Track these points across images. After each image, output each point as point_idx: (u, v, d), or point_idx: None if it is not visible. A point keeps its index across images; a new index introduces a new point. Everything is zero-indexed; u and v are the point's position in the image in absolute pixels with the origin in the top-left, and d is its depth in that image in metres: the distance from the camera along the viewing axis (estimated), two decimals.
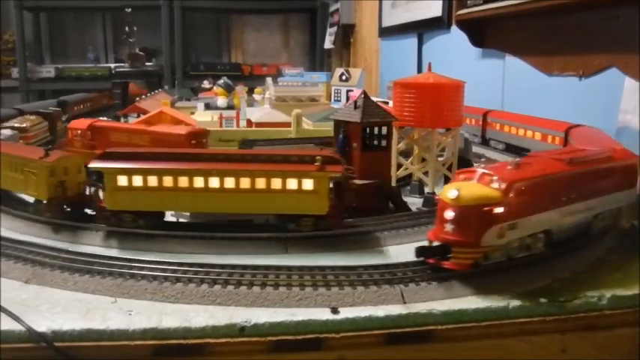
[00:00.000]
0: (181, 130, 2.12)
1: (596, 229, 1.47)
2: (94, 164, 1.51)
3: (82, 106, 3.96)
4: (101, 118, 2.75)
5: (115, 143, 2.14)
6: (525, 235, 1.29)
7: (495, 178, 1.24)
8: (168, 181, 1.48)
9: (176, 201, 1.51)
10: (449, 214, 1.22)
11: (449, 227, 1.22)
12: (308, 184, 1.46)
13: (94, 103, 4.38)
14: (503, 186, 1.22)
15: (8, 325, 1.07)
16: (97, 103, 4.42)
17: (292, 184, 1.46)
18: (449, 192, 1.23)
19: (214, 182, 1.47)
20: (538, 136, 2.36)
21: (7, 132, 2.35)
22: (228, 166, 1.48)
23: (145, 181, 1.49)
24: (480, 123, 2.86)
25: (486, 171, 1.27)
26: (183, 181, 1.48)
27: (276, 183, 1.46)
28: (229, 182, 1.46)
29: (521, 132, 2.48)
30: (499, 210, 1.20)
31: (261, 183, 1.46)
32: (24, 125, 2.61)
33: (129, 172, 1.49)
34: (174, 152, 1.60)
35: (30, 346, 1.04)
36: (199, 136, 2.08)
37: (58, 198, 1.59)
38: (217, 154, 1.55)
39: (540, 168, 1.32)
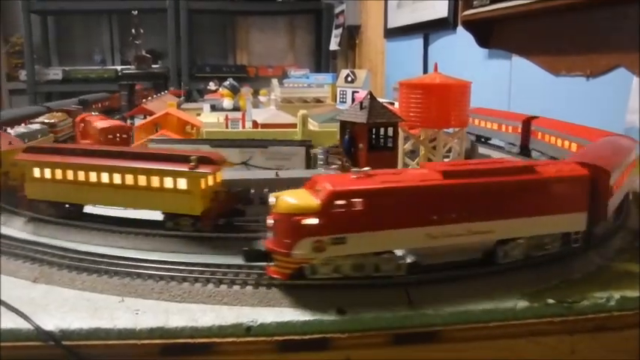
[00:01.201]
0: (100, 124, 2.43)
1: (509, 257, 1.27)
2: (19, 157, 1.66)
3: (100, 105, 4.09)
4: (92, 114, 2.97)
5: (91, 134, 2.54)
6: (367, 253, 1.16)
7: (319, 187, 1.15)
8: (69, 174, 1.60)
9: (75, 193, 1.62)
10: (269, 221, 1.16)
11: (269, 234, 1.17)
12: (182, 183, 1.48)
13: (112, 102, 4.54)
14: (322, 196, 1.12)
15: (17, 323, 1.07)
16: (115, 102, 4.54)
17: (169, 182, 1.49)
18: (270, 198, 1.18)
19: (104, 178, 1.55)
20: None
21: (37, 126, 2.63)
22: (116, 162, 1.55)
23: (52, 173, 1.61)
24: (520, 131, 2.53)
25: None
26: (80, 175, 1.59)
27: (155, 181, 1.50)
28: (117, 178, 1.54)
29: (567, 144, 2.13)
30: (312, 221, 1.11)
31: (142, 180, 1.51)
32: (52, 121, 2.85)
33: (40, 165, 1.63)
34: (88, 148, 1.73)
35: (38, 344, 1.05)
36: (115, 131, 2.34)
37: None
38: (120, 152, 1.64)
39: (397, 179, 1.18)
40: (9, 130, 2.42)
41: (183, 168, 1.46)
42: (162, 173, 1.48)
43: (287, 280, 1.17)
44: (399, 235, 1.16)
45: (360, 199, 1.12)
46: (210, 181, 1.49)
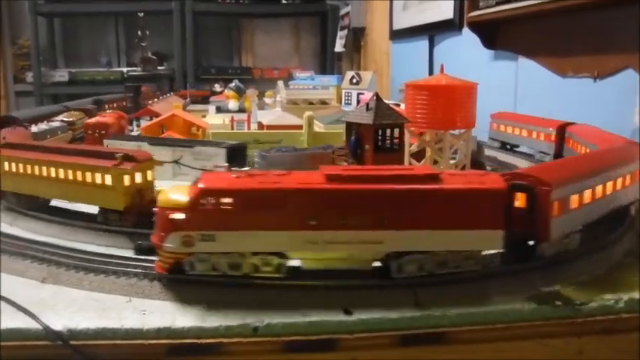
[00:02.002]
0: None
1: (404, 272, 1.19)
2: None
3: (115, 105, 4.13)
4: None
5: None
6: (245, 252, 1.16)
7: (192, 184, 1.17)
8: (27, 168, 1.72)
9: (30, 185, 1.74)
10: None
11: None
12: (108, 179, 1.54)
13: (125, 102, 4.53)
14: (191, 193, 1.14)
15: (26, 323, 1.08)
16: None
17: (98, 178, 1.56)
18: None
19: (51, 172, 1.67)
20: None
21: (57, 124, 2.84)
22: (59, 158, 1.67)
23: (16, 167, 1.74)
24: (554, 138, 2.32)
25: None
26: (31, 169, 1.71)
27: (89, 177, 1.58)
28: (60, 173, 1.65)
29: None
30: (179, 216, 1.13)
31: (79, 176, 1.60)
32: (71, 119, 3.04)
33: (8, 160, 1.76)
34: (45, 145, 1.89)
35: (46, 344, 1.05)
36: (93, 127, 2.64)
37: None
38: (65, 149, 1.79)
39: (276, 181, 1.15)
40: (33, 126, 2.63)
41: (109, 165, 1.54)
42: (93, 169, 1.58)
43: (166, 274, 1.19)
44: (272, 237, 1.14)
45: (229, 199, 1.12)
46: (138, 178, 1.56)
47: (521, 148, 2.63)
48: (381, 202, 1.15)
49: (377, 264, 1.23)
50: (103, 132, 2.58)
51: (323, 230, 1.14)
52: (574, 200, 1.30)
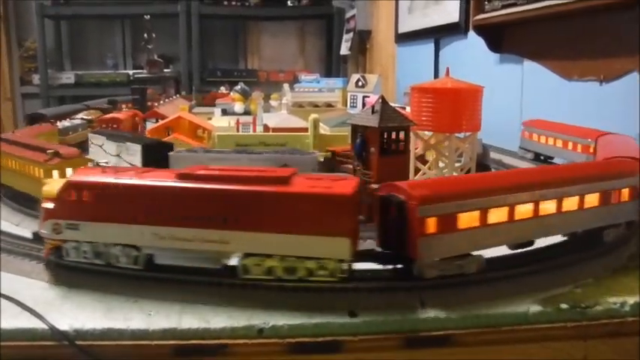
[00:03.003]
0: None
1: (252, 274, 1.18)
2: None
3: (129, 105, 4.17)
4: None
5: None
6: (109, 243, 1.22)
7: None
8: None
9: (7, 177, 1.89)
10: None
11: None
12: (41, 172, 1.63)
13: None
14: (62, 185, 1.24)
15: (32, 323, 1.09)
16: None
17: (36, 172, 1.65)
18: None
19: (12, 164, 1.83)
20: None
21: (78, 121, 3.08)
22: (18, 151, 1.83)
23: None
24: (592, 150, 2.05)
25: None
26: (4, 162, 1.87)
27: (30, 169, 1.70)
28: (19, 165, 1.79)
29: None
30: (49, 205, 1.24)
31: (28, 168, 1.72)
32: (90, 117, 3.23)
33: None
34: (11, 138, 2.02)
35: (53, 344, 1.06)
36: (106, 121, 2.84)
37: None
38: (21, 143, 1.92)
39: (129, 176, 1.22)
40: (58, 123, 2.90)
41: (41, 159, 1.65)
42: (32, 163, 1.70)
43: (48, 258, 1.29)
44: (126, 229, 1.20)
45: (89, 191, 1.21)
46: (69, 173, 1.62)
47: (556, 160, 2.41)
48: (227, 203, 1.16)
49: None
50: (115, 126, 2.77)
51: (171, 226, 1.18)
52: (463, 219, 1.18)
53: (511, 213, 1.24)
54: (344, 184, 1.16)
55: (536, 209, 1.27)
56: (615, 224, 1.45)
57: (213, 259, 1.21)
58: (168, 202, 1.18)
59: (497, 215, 1.22)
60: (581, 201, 1.34)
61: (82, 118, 3.17)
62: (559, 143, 2.33)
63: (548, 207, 1.29)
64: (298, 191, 1.14)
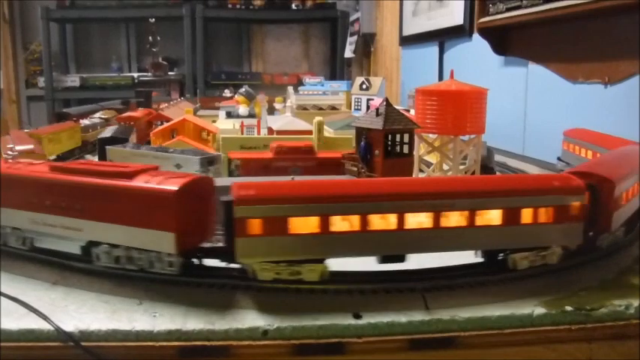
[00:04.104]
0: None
1: (101, 261, 1.25)
2: None
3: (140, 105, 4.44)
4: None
5: None
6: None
7: None
8: None
9: None
10: None
11: None
12: None
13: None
14: None
15: (38, 324, 1.09)
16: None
17: None
18: None
19: None
20: None
21: (96, 120, 3.39)
22: None
23: None
24: None
25: None
26: None
27: None
28: None
29: None
30: None
31: None
32: (106, 117, 3.52)
33: None
34: None
35: (58, 344, 1.06)
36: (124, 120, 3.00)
37: None
38: None
39: (17, 167, 1.35)
40: (80, 121, 3.24)
41: None
42: None
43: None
44: (13, 214, 1.34)
45: None
46: None
47: None
48: (80, 194, 1.24)
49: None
50: (132, 124, 2.95)
51: (41, 213, 1.29)
52: (296, 224, 1.15)
53: (363, 223, 1.17)
54: (177, 181, 1.17)
55: (400, 222, 1.18)
56: (536, 248, 1.27)
57: (73, 244, 1.31)
58: (40, 191, 1.29)
59: (343, 224, 1.16)
60: (471, 218, 1.21)
61: (99, 117, 3.48)
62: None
63: (421, 220, 1.19)
64: (130, 186, 1.19)
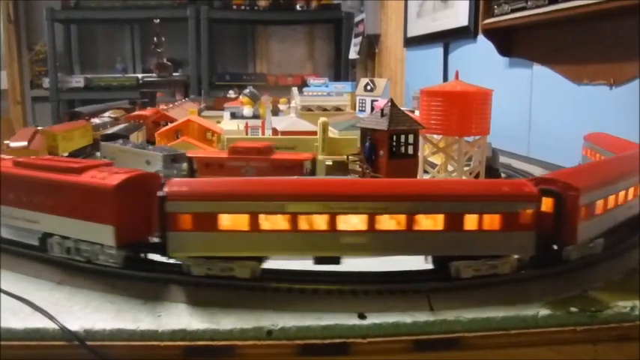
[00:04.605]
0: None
1: (55, 251, 1.31)
2: None
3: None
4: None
5: None
6: None
7: None
8: None
9: None
10: None
11: None
12: None
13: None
14: None
15: (43, 323, 1.10)
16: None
17: None
18: None
19: None
20: None
21: (106, 119, 3.49)
22: None
23: None
24: None
25: None
26: None
27: None
28: None
29: None
30: None
31: None
32: (115, 116, 3.63)
33: None
34: None
35: (63, 343, 1.07)
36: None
37: None
38: None
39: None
40: (92, 120, 3.41)
41: None
42: None
43: None
44: None
45: None
46: None
47: None
48: (37, 188, 1.30)
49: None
50: (142, 122, 3.15)
51: (8, 205, 1.36)
52: (225, 220, 1.17)
53: (293, 223, 1.17)
54: (118, 177, 1.21)
55: (332, 223, 1.17)
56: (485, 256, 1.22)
57: (33, 235, 1.37)
58: (4, 185, 1.35)
59: (273, 223, 1.17)
60: (409, 222, 1.18)
61: (109, 116, 3.60)
62: None
63: (355, 223, 1.17)
64: (76, 180, 1.25)
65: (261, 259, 1.21)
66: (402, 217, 1.17)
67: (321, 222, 1.16)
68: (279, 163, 1.90)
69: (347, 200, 1.17)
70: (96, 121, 3.36)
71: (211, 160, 2.01)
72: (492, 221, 1.19)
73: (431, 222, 1.18)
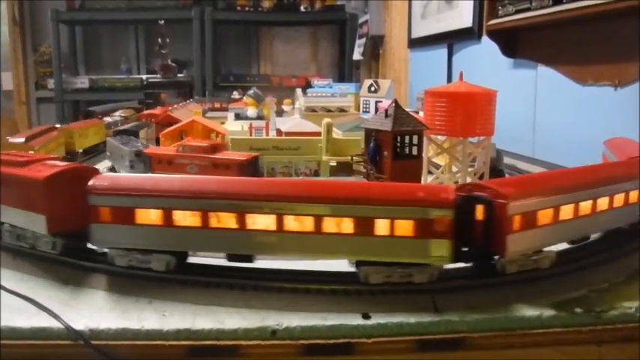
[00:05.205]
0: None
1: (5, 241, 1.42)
2: None
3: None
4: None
5: None
6: None
7: None
8: None
9: None
10: None
11: None
12: None
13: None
14: None
15: (48, 322, 1.10)
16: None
17: None
18: None
19: None
20: None
21: (117, 118, 3.64)
22: None
23: None
24: None
25: None
26: None
27: None
28: None
29: None
30: None
31: None
32: (126, 115, 3.79)
33: None
34: None
35: (68, 343, 1.07)
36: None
37: None
38: None
39: None
40: (104, 118, 3.54)
41: None
42: None
43: None
44: None
45: None
46: None
47: None
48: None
49: None
50: (153, 120, 3.19)
51: None
52: (142, 215, 1.23)
53: (204, 220, 1.20)
54: (51, 169, 1.30)
55: (242, 222, 1.20)
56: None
57: None
58: None
59: (186, 219, 1.21)
60: (318, 224, 1.18)
61: (119, 115, 3.75)
62: None
63: (264, 222, 1.19)
64: (17, 173, 1.33)
65: (178, 254, 1.26)
66: (310, 220, 1.17)
67: (231, 220, 1.19)
68: (218, 162, 1.95)
69: (254, 200, 1.19)
70: (108, 119, 3.51)
71: (162, 157, 2.09)
72: (405, 227, 1.15)
73: (341, 225, 1.17)
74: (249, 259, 1.23)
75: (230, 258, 1.24)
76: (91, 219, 1.24)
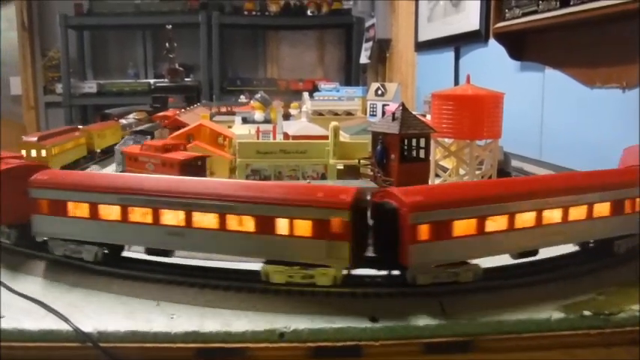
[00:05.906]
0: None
1: None
2: None
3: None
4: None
5: None
6: None
7: None
8: None
9: None
10: None
11: None
12: None
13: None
14: None
15: (57, 325, 1.11)
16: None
17: None
18: None
19: None
20: None
21: (131, 120, 3.79)
22: None
23: None
24: None
25: None
26: None
27: None
28: None
29: None
30: None
31: None
32: (139, 117, 3.93)
33: None
34: None
35: (77, 345, 1.08)
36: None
37: None
38: None
39: None
40: (120, 120, 3.68)
41: None
42: None
43: None
44: None
45: None
46: None
47: None
48: None
49: None
50: (166, 121, 3.31)
51: None
52: (73, 209, 1.32)
53: (124, 214, 1.27)
54: (4, 166, 1.40)
55: (156, 217, 1.25)
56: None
57: None
58: None
59: (116, 213, 1.28)
60: (222, 222, 1.21)
61: (133, 117, 3.90)
62: None
63: (174, 217, 1.24)
64: None
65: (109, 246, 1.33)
66: (213, 217, 1.20)
67: (147, 216, 1.25)
68: (165, 161, 2.05)
69: (165, 197, 1.24)
70: (123, 121, 3.66)
71: (132, 155, 2.22)
72: (304, 227, 1.15)
73: (242, 223, 1.19)
74: (167, 254, 1.30)
75: (148, 252, 1.31)
76: (32, 210, 1.33)
